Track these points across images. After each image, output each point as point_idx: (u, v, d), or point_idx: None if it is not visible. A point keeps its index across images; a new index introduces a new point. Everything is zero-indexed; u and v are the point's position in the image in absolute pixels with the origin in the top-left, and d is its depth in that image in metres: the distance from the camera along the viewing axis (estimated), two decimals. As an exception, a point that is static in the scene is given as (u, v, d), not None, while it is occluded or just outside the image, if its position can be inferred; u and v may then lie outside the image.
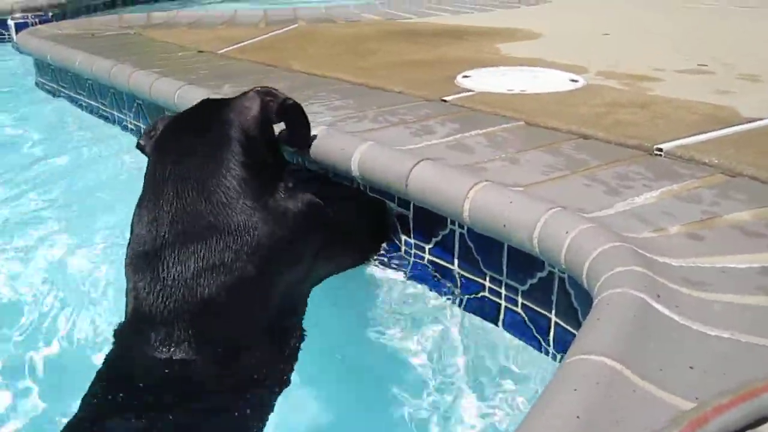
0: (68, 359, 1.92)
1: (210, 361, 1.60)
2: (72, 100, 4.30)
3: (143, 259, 1.68)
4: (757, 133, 2.27)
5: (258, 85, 2.01)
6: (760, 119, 2.41)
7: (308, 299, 1.87)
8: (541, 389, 1.63)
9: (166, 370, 1.59)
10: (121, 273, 1.74)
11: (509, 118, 2.47)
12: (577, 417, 0.91)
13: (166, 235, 1.68)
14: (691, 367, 1.07)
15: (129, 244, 1.75)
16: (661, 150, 2.10)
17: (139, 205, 1.79)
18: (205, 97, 2.14)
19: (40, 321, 2.07)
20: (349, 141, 2.11)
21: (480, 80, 3.00)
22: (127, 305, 1.69)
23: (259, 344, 1.69)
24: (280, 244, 1.74)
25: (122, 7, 9.02)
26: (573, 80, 3.01)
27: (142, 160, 1.94)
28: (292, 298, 1.82)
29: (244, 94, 1.98)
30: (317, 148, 2.16)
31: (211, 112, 1.93)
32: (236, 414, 1.55)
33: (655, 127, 2.32)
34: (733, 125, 2.33)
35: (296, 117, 2.06)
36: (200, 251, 1.65)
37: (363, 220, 2.17)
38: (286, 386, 1.65)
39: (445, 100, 2.73)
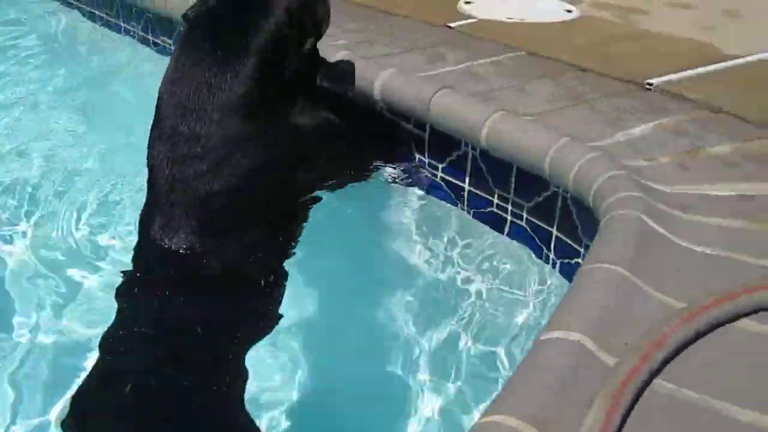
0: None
1: (207, 248, 1.85)
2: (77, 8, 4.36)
3: (158, 147, 1.90)
4: (736, 71, 2.51)
5: None
6: (739, 56, 2.64)
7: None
8: (539, 287, 1.94)
9: (170, 258, 1.84)
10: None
11: (512, 47, 2.67)
12: (602, 306, 1.17)
13: (178, 128, 1.87)
14: (677, 270, 1.34)
15: (152, 124, 1.95)
16: (651, 84, 2.33)
17: (163, 83, 1.95)
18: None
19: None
20: (371, 66, 2.31)
21: (481, 7, 3.18)
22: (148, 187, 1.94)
23: (257, 240, 1.92)
24: (284, 151, 1.96)
25: None
26: (568, 10, 3.21)
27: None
28: (294, 199, 2.05)
29: None
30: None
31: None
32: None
33: (646, 61, 2.54)
34: (715, 62, 2.56)
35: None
36: (203, 154, 1.85)
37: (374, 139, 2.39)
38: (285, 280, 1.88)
39: (450, 27, 2.92)
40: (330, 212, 2.12)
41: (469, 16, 3.05)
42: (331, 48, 2.46)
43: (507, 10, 3.15)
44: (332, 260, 2.05)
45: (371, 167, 2.35)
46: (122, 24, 3.88)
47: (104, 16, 4.03)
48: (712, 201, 1.64)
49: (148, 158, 1.94)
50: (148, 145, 1.94)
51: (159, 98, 1.96)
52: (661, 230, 1.45)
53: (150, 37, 3.65)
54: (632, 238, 1.39)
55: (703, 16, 3.25)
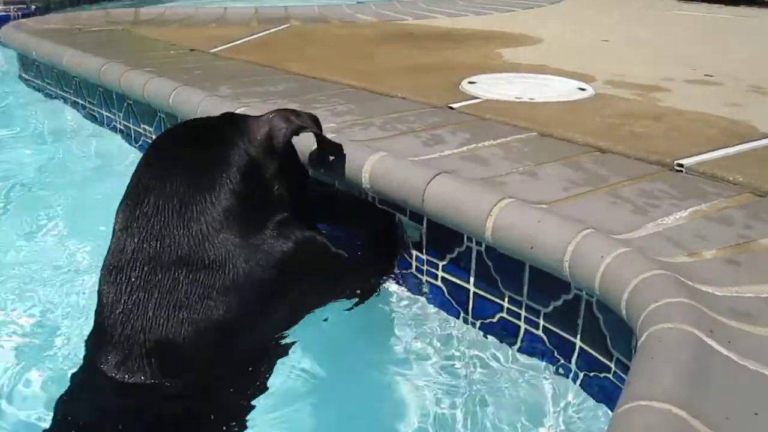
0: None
1: (164, 395, 1.51)
2: (58, 97, 4.16)
3: (112, 272, 1.58)
4: (777, 150, 2.21)
5: (279, 108, 1.90)
6: (778, 134, 2.34)
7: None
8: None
9: (120, 396, 1.52)
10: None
11: (521, 128, 2.39)
12: (650, 477, 0.82)
13: (135, 254, 1.57)
14: (756, 414, 0.99)
15: (109, 246, 1.65)
16: (682, 166, 2.02)
17: (119, 208, 1.67)
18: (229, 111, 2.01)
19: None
20: (359, 151, 2.02)
21: (486, 87, 2.92)
22: (95, 313, 1.61)
23: (221, 386, 1.59)
24: (259, 285, 1.63)
25: (107, 0, 8.86)
26: (581, 89, 2.94)
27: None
28: (271, 334, 1.73)
29: (261, 115, 1.87)
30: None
31: (220, 127, 1.81)
32: None
33: (672, 141, 2.25)
34: (753, 140, 2.26)
35: (318, 136, 1.95)
36: (165, 282, 1.54)
37: (372, 247, 2.07)
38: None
39: (452, 108, 2.64)
40: (313, 329, 1.80)
41: (473, 97, 2.78)
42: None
43: (514, 90, 2.88)
44: (316, 388, 1.69)
45: (374, 285, 2.03)
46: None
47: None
48: (776, 306, 1.30)
49: (100, 282, 1.62)
50: (102, 266, 1.63)
51: (119, 212, 1.66)
52: (722, 349, 1.11)
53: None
54: (686, 361, 1.05)
55: (729, 93, 2.98)
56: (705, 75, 3.34)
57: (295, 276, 1.72)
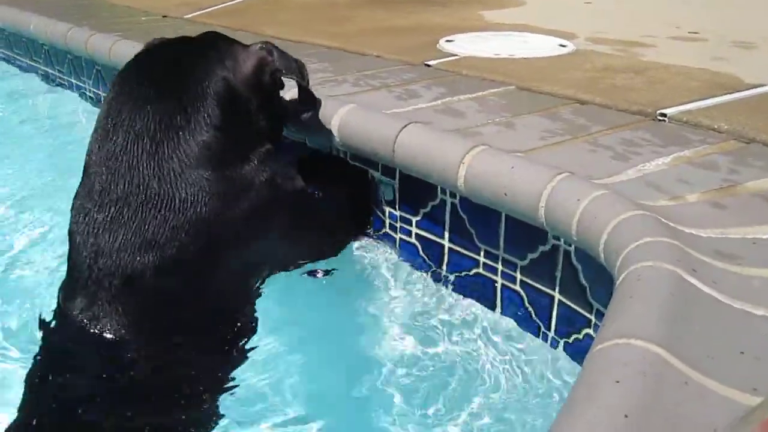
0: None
1: (134, 342, 1.43)
2: (28, 67, 4.04)
3: (80, 214, 1.50)
4: (762, 99, 2.13)
5: (267, 41, 1.76)
6: (763, 85, 2.26)
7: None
8: (539, 377, 1.51)
9: (88, 347, 1.45)
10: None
11: (499, 82, 2.30)
12: (625, 416, 0.74)
13: (103, 195, 1.47)
14: (741, 353, 0.91)
15: (79, 183, 1.56)
16: (665, 115, 1.95)
17: (89, 143, 1.56)
18: (213, 30, 1.83)
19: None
20: (329, 104, 1.92)
21: (464, 45, 2.82)
22: (67, 256, 1.53)
23: (196, 332, 1.50)
24: (232, 223, 1.54)
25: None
26: (562, 45, 2.84)
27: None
28: (244, 282, 1.63)
29: (248, 45, 1.73)
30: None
31: (202, 52, 1.65)
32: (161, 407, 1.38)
33: (655, 92, 2.16)
34: (738, 91, 2.18)
35: (300, 86, 1.83)
36: (132, 222, 1.44)
37: (346, 199, 1.98)
38: (226, 384, 1.47)
39: (428, 65, 2.55)
40: (287, 291, 1.72)
41: (451, 54, 2.69)
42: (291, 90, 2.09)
43: (494, 47, 2.78)
44: (291, 350, 1.61)
45: (345, 241, 1.95)
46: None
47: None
48: (762, 247, 1.23)
49: (70, 223, 1.53)
50: (72, 206, 1.54)
51: (88, 152, 1.56)
52: (705, 288, 1.03)
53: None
54: (666, 299, 0.97)
55: (713, 47, 2.90)
56: (689, 32, 3.25)
57: (271, 212, 1.62)
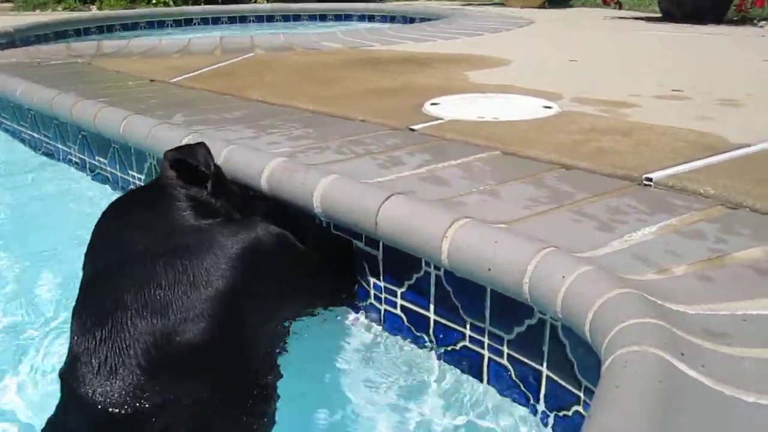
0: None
1: None
2: (13, 132, 4.03)
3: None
4: (748, 160, 2.12)
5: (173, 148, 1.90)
6: (749, 145, 2.26)
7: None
8: None
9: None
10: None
11: (483, 147, 2.29)
12: None
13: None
14: (734, 447, 0.87)
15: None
16: (650, 180, 1.93)
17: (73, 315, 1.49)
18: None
19: None
20: (311, 174, 1.90)
21: (449, 108, 2.83)
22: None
23: None
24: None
25: (75, 36, 8.72)
26: (546, 107, 2.85)
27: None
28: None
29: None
30: (277, 182, 1.95)
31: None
32: None
33: (640, 155, 2.16)
34: (722, 152, 2.18)
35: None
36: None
37: (328, 263, 1.95)
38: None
39: (413, 129, 2.54)
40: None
41: (435, 118, 2.69)
42: (267, 157, 2.07)
43: (478, 109, 2.79)
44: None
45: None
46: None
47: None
48: (752, 324, 1.20)
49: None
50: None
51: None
52: (694, 374, 1.00)
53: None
54: (654, 390, 0.93)
55: (698, 106, 2.91)
56: (673, 90, 3.27)
57: (262, 272, 1.60)
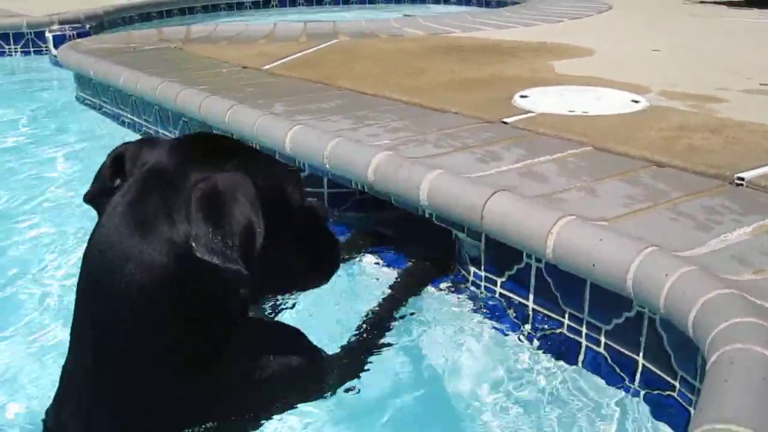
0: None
1: None
2: (114, 116, 4.26)
3: None
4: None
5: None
6: (843, 144, 2.30)
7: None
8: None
9: None
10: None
11: (576, 142, 2.38)
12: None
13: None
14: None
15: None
16: (743, 180, 2.00)
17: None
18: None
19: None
20: (416, 168, 2.03)
21: (539, 101, 2.92)
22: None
23: None
24: None
25: (158, 19, 9.02)
26: (635, 101, 2.92)
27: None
28: None
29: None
30: (382, 176, 2.08)
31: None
32: None
33: (732, 153, 2.22)
34: (816, 151, 2.23)
35: None
36: None
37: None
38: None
39: (505, 122, 2.65)
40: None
41: (526, 111, 2.78)
42: (372, 150, 2.21)
43: (567, 103, 2.87)
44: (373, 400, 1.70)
45: None
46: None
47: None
48: None
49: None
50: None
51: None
52: (795, 372, 1.10)
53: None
54: (759, 384, 1.04)
55: (789, 102, 2.93)
56: (761, 84, 3.28)
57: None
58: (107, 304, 1.28)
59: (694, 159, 2.16)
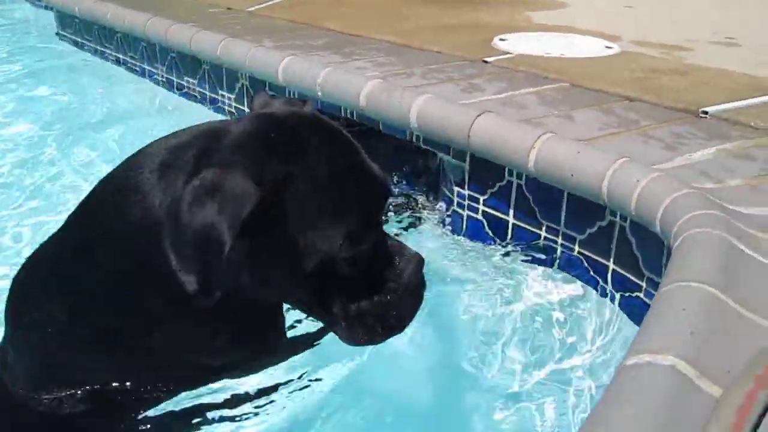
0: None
1: None
2: (97, 52, 4.31)
3: None
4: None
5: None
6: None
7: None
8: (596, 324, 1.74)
9: None
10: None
11: (553, 79, 2.53)
12: (691, 333, 0.98)
13: None
14: (778, 299, 1.15)
15: None
16: (707, 113, 2.17)
17: None
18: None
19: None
20: (406, 94, 2.17)
21: (517, 43, 3.06)
22: None
23: None
24: None
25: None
26: (608, 47, 3.07)
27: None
28: None
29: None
30: (375, 101, 2.21)
31: None
32: None
33: (698, 92, 2.39)
34: (773, 93, 2.40)
35: None
36: None
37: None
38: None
39: (486, 61, 2.79)
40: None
41: (505, 52, 2.92)
42: (364, 78, 2.33)
43: (544, 47, 3.02)
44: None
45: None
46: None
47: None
48: (796, 224, 1.46)
49: None
50: None
51: None
52: (749, 251, 1.27)
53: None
54: (719, 255, 1.21)
55: (751, 53, 3.11)
56: (726, 38, 3.46)
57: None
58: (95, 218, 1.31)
59: (663, 95, 2.32)
